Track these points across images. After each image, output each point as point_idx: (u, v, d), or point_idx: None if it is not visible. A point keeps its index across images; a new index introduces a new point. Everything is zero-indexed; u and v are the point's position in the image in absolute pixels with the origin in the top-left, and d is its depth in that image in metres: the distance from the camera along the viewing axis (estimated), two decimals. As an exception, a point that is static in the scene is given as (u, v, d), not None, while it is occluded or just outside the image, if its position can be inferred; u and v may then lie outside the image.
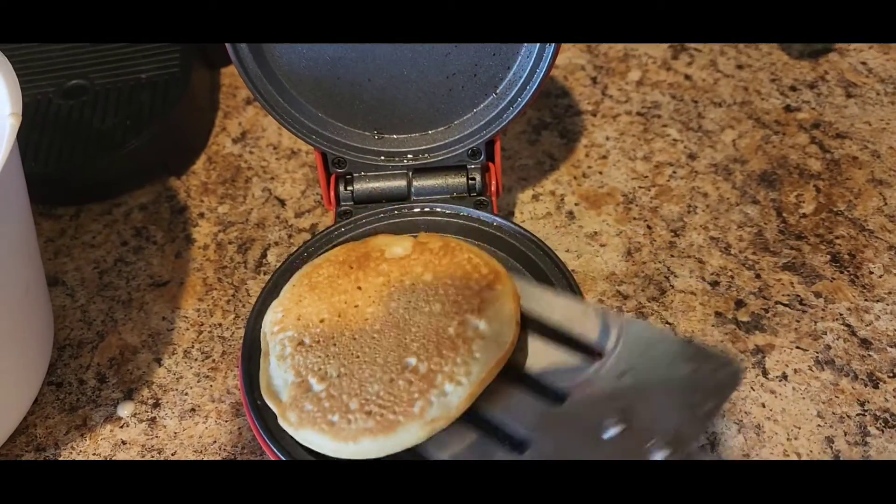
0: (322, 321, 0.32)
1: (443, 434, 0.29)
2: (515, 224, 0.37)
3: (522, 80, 0.37)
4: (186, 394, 0.38)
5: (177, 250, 0.44)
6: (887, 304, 0.38)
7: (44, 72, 0.48)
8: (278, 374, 0.31)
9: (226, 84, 0.52)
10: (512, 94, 0.37)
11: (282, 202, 0.46)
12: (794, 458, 0.34)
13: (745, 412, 0.35)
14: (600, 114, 0.48)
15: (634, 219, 0.43)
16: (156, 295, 0.42)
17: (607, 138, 0.47)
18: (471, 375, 0.29)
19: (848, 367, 0.36)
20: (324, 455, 0.30)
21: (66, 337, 0.40)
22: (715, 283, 0.40)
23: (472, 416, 0.29)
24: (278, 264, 0.39)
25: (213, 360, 0.39)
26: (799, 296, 0.39)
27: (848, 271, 0.40)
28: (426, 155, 0.39)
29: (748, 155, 0.45)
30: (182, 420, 0.37)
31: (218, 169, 0.48)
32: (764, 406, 0.35)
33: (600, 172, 0.45)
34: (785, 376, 0.36)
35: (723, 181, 0.44)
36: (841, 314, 0.38)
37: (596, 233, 0.42)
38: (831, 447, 0.34)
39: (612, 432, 0.27)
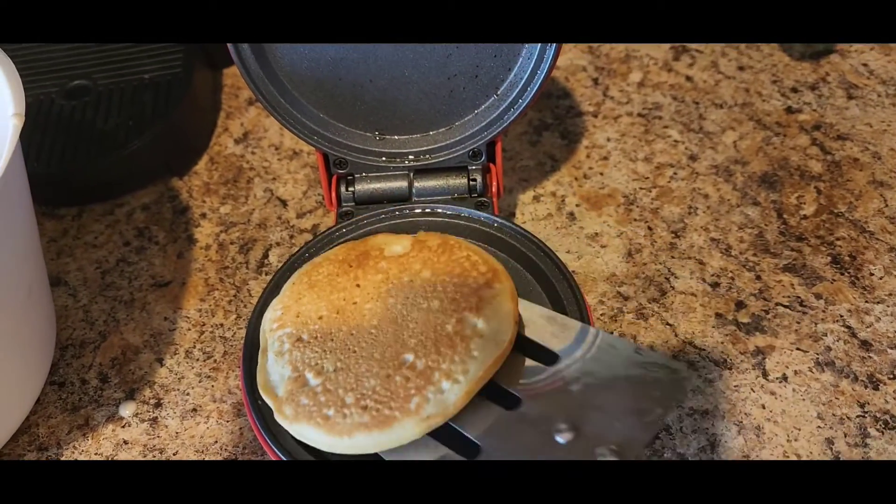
0: (320, 318, 0.32)
1: None
2: (516, 225, 0.37)
3: (523, 81, 0.37)
4: (188, 394, 0.38)
5: (179, 250, 0.44)
6: (888, 306, 0.38)
7: (47, 72, 0.48)
8: (275, 369, 0.31)
9: (228, 85, 0.53)
10: (513, 96, 0.37)
11: (283, 203, 0.46)
12: (794, 459, 0.34)
13: (746, 413, 0.35)
14: (601, 115, 0.48)
15: (635, 220, 0.43)
16: (158, 295, 0.42)
17: (608, 139, 0.47)
18: (468, 374, 0.29)
19: (848, 368, 0.36)
20: (319, 450, 0.30)
21: (69, 337, 0.40)
22: (715, 285, 0.40)
23: None
24: (280, 265, 0.39)
25: (215, 361, 0.39)
26: (799, 297, 0.39)
27: (848, 273, 0.40)
28: (427, 156, 0.39)
29: (749, 156, 0.45)
30: (183, 420, 0.37)
31: (220, 169, 0.48)
32: (764, 407, 0.35)
33: (601, 173, 0.45)
34: (785, 378, 0.36)
35: (724, 182, 0.44)
36: (841, 316, 0.38)
37: (597, 234, 0.42)
38: (831, 448, 0.34)
39: (562, 438, 0.27)
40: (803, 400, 0.36)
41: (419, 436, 0.28)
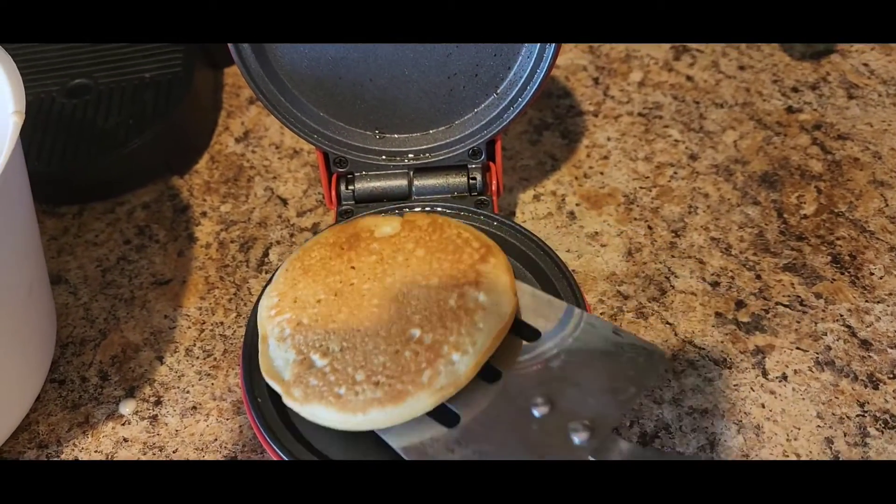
0: (319, 301, 0.32)
1: None
2: (516, 224, 0.37)
3: (523, 80, 0.37)
4: (188, 392, 0.38)
5: (179, 249, 0.44)
6: (888, 306, 0.38)
7: (47, 71, 0.48)
8: (279, 354, 0.31)
9: (229, 83, 0.53)
10: (513, 95, 0.37)
11: (284, 201, 0.46)
12: (793, 458, 0.34)
13: (745, 413, 0.35)
14: (602, 114, 0.48)
15: (635, 219, 0.43)
16: (158, 293, 0.42)
17: (608, 139, 0.47)
18: (476, 345, 0.30)
19: (848, 368, 0.36)
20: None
21: (69, 335, 0.41)
22: (715, 284, 0.40)
23: None
24: (280, 263, 0.39)
25: (215, 359, 0.39)
26: (799, 297, 0.39)
27: (848, 272, 0.40)
28: (427, 154, 0.39)
29: (749, 156, 0.45)
30: (183, 418, 0.37)
31: (220, 168, 0.48)
32: (764, 406, 0.35)
33: (601, 173, 0.45)
34: (785, 377, 0.36)
35: (724, 182, 0.44)
36: (841, 315, 0.38)
37: (597, 233, 0.42)
38: (831, 448, 0.34)
39: (538, 412, 0.28)
40: (803, 399, 0.36)
41: (431, 408, 0.29)
